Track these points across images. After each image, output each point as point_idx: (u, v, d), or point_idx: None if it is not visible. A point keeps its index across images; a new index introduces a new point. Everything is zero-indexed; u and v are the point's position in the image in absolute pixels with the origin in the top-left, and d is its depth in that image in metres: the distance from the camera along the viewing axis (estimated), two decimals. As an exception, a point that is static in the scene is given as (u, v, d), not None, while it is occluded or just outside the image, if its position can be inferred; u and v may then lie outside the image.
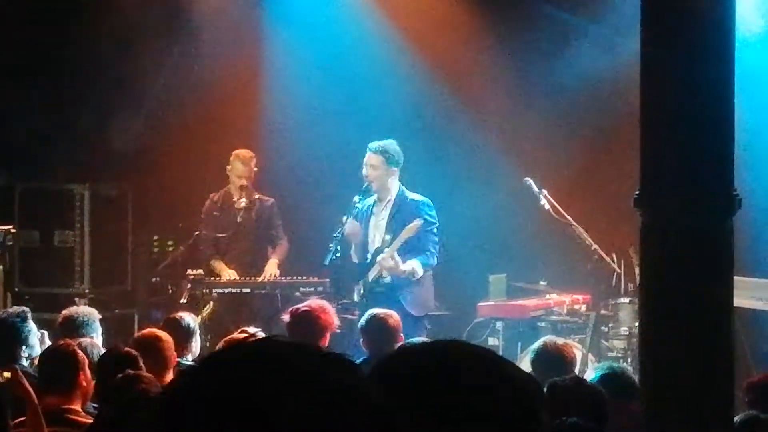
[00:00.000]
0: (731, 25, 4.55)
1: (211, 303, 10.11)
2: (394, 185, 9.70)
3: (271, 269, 10.41)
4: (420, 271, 9.46)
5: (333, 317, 7.67)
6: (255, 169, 10.60)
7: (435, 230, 9.60)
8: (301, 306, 7.79)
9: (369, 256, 9.66)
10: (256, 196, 10.64)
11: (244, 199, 10.50)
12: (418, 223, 9.46)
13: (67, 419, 5.85)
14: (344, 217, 9.65)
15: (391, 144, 9.66)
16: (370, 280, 9.58)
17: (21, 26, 11.21)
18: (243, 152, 10.57)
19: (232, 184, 10.57)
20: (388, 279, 9.59)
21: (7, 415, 5.10)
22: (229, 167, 10.56)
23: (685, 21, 4.52)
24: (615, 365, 6.63)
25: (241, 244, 10.59)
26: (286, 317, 7.74)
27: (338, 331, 7.73)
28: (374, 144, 9.65)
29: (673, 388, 4.64)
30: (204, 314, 9.83)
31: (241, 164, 10.51)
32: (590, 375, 6.39)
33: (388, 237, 9.56)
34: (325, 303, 7.86)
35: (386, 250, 9.45)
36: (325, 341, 7.52)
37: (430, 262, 9.54)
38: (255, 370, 1.41)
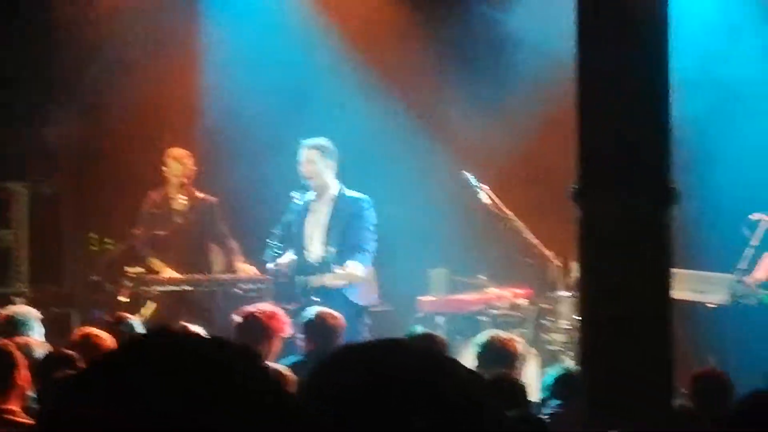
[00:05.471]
0: (666, 18, 4.59)
1: (151, 302, 10.00)
2: (334, 182, 9.70)
3: (247, 269, 10.13)
4: (362, 275, 9.49)
5: (282, 323, 7.54)
6: (194, 168, 10.51)
7: (372, 228, 9.62)
8: (251, 308, 7.68)
9: (307, 253, 9.64)
10: (201, 196, 10.54)
11: (182, 198, 10.37)
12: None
13: (5, 419, 5.78)
14: (294, 196, 9.60)
15: (325, 140, 9.71)
16: (313, 286, 9.55)
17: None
18: (176, 150, 10.44)
19: (170, 184, 10.47)
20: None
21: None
22: (165, 168, 10.45)
23: (619, 16, 4.55)
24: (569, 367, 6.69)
25: (180, 244, 10.43)
26: (237, 318, 7.62)
27: (288, 336, 7.60)
28: (308, 141, 9.70)
29: (613, 379, 4.67)
30: (146, 313, 9.74)
31: (177, 163, 10.40)
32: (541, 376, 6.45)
33: (332, 248, 9.53)
34: (276, 308, 7.76)
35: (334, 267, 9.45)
36: (274, 345, 7.42)
37: (367, 262, 9.59)
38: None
